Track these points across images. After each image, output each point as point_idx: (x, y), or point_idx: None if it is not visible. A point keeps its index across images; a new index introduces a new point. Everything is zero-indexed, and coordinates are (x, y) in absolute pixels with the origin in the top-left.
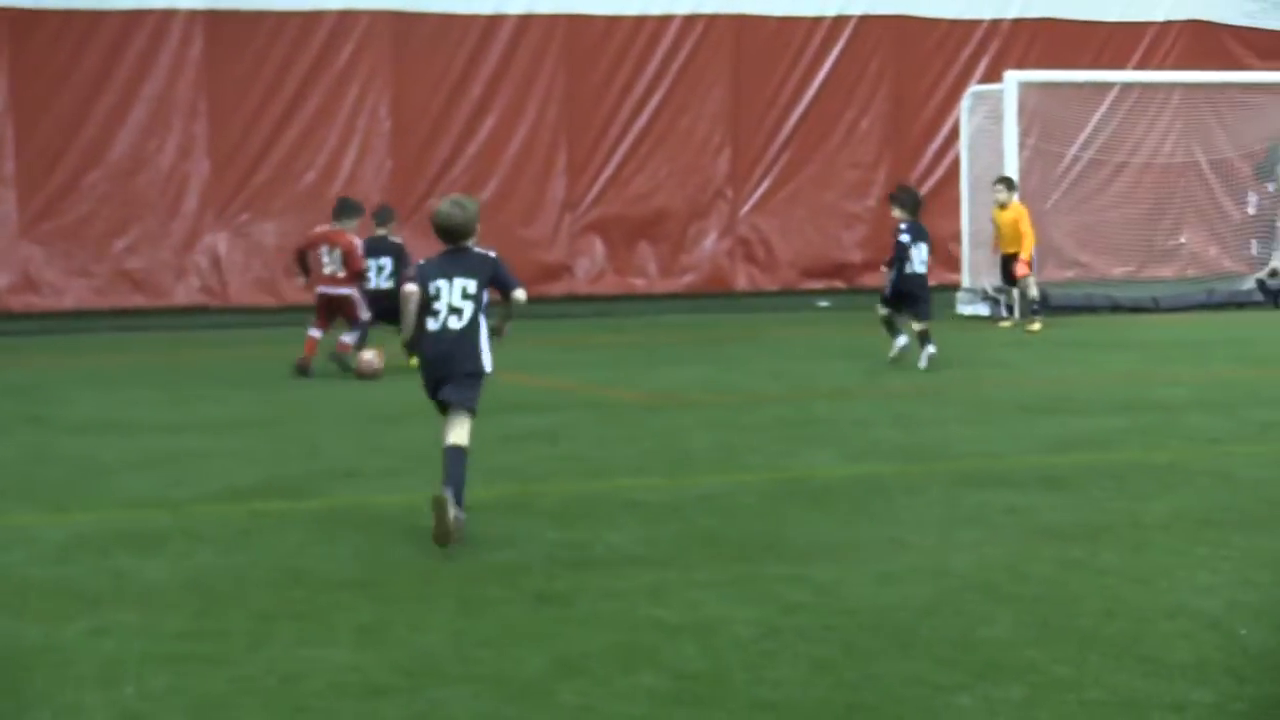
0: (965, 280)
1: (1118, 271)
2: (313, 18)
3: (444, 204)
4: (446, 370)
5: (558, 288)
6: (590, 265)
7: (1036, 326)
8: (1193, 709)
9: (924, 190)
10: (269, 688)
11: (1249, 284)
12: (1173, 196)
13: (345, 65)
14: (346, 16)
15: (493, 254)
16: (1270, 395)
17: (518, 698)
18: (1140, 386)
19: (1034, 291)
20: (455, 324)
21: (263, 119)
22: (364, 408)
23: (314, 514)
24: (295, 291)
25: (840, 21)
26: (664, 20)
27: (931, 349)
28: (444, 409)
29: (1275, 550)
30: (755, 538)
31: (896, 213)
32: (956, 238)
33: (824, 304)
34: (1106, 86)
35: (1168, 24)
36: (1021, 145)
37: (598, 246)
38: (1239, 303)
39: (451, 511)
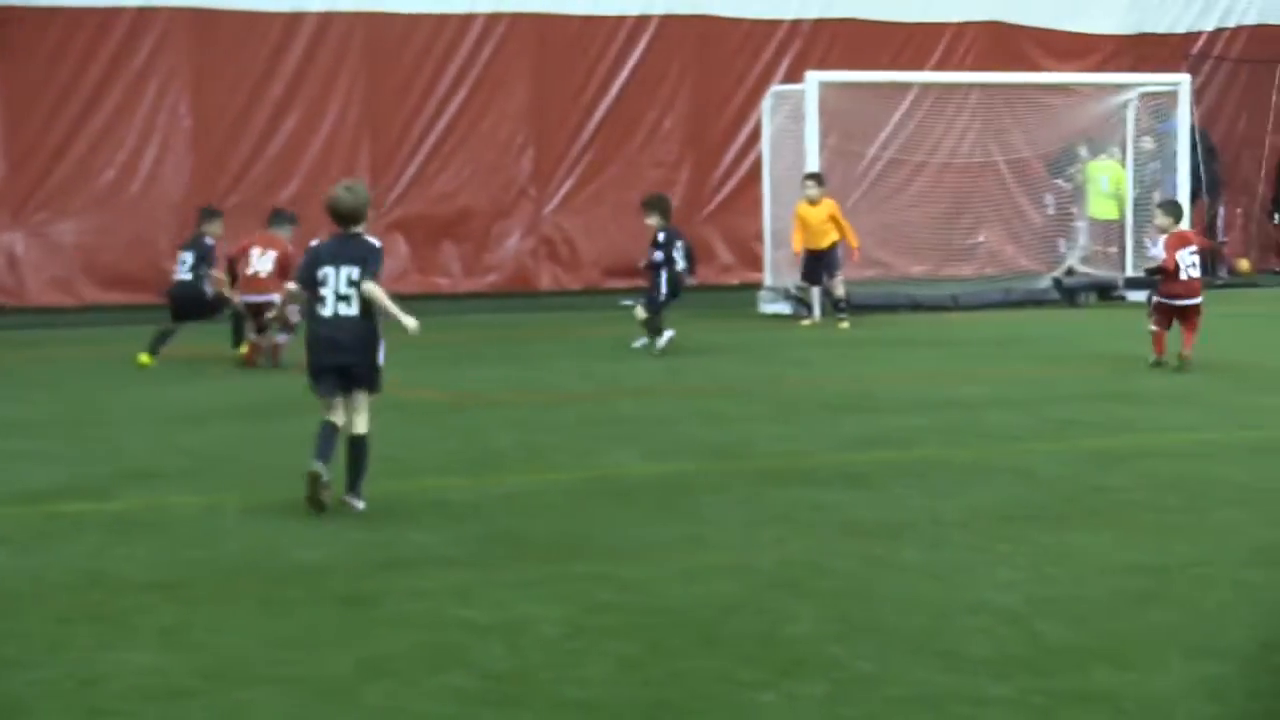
0: (768, 279)
1: (917, 270)
2: (110, 14)
3: (336, 187)
4: (334, 358)
5: None
6: (394, 265)
7: (845, 324)
8: (992, 703)
9: (726, 190)
10: (68, 690)
11: (1045, 282)
12: (971, 196)
13: (144, 62)
14: (145, 13)
15: (378, 244)
16: (1067, 393)
17: (324, 699)
18: (941, 385)
19: (841, 290)
20: (345, 310)
21: (60, 117)
22: (164, 409)
23: (113, 516)
24: (94, 292)
25: (643, 21)
26: (467, 19)
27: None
28: (329, 393)
29: (1072, 545)
30: (561, 537)
31: (652, 220)
32: (759, 237)
33: (628, 303)
34: (906, 86)
35: (965, 25)
36: (822, 145)
37: (401, 246)
38: (1036, 301)
39: (358, 505)
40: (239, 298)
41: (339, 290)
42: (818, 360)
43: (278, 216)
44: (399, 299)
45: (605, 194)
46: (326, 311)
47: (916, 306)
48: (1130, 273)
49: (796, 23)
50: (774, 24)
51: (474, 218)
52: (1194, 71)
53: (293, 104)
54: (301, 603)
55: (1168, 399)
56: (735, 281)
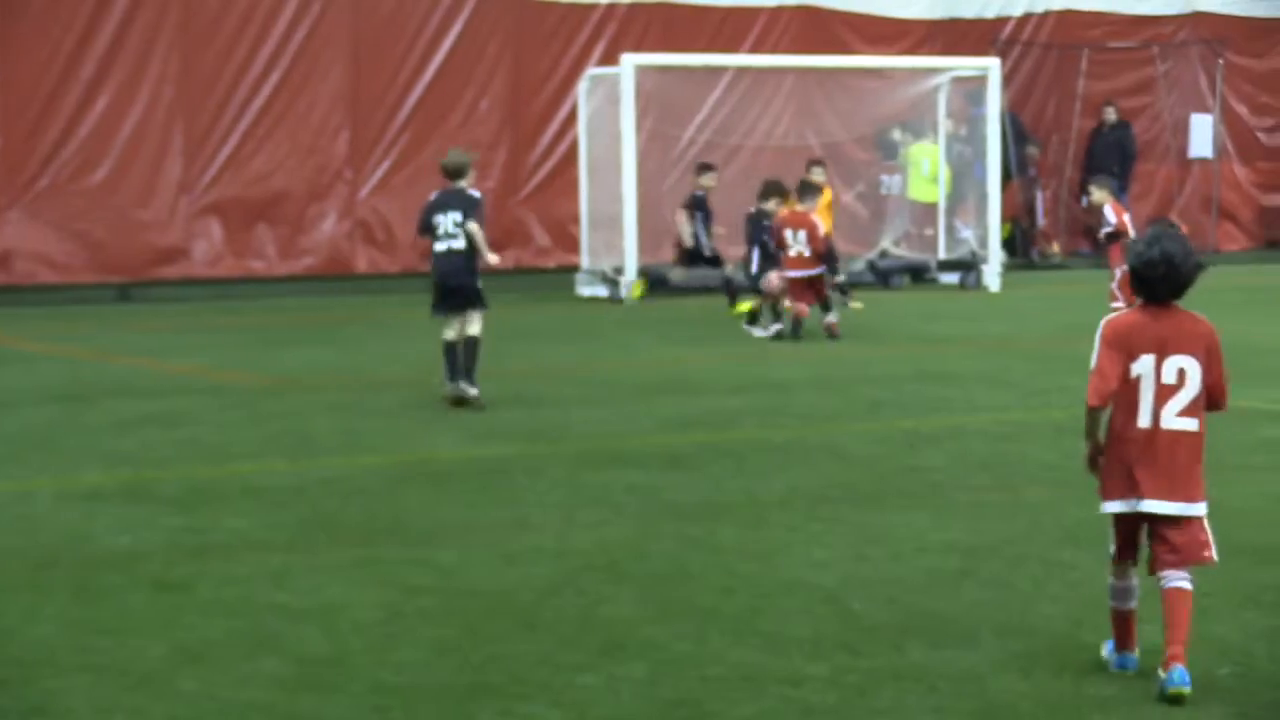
0: (585, 262)
1: (733, 253)
2: None
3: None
4: (454, 282)
5: (174, 270)
6: (208, 248)
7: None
8: (809, 682)
9: (543, 172)
10: None
11: (859, 265)
12: (786, 179)
13: None
14: None
15: (477, 194)
16: (880, 373)
17: (137, 687)
18: (756, 366)
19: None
20: (456, 245)
21: None
22: None
23: None
24: None
25: (459, 2)
26: None
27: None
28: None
29: (886, 525)
30: (377, 521)
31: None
32: (576, 219)
33: None
34: (721, 70)
35: (779, 9)
36: (639, 128)
37: (215, 229)
38: (851, 284)
39: (472, 391)
40: (790, 272)
41: (447, 229)
42: (633, 343)
43: (808, 188)
44: (212, 283)
45: (422, 176)
46: (442, 248)
47: (730, 288)
48: (943, 255)
49: (612, 6)
50: (590, 7)
51: (289, 200)
52: (1003, 56)
53: (104, 84)
54: (114, 590)
55: (979, 379)
56: (552, 264)
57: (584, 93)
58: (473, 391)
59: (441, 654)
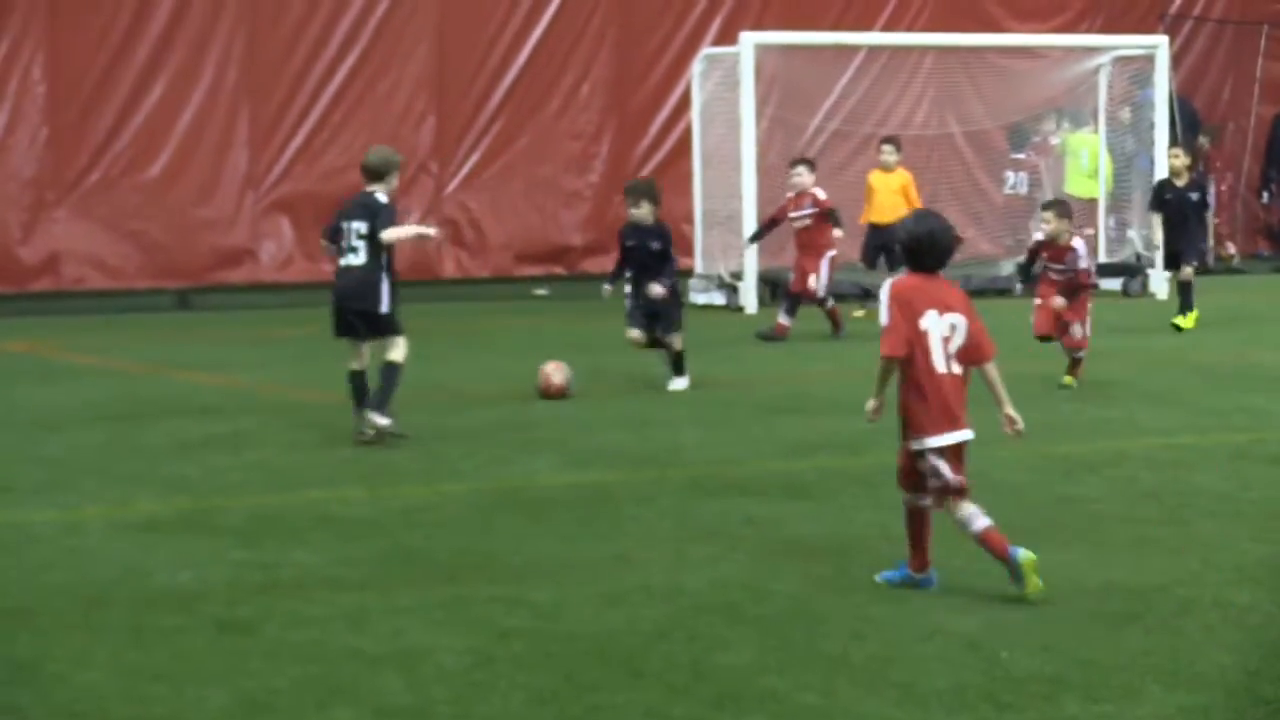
0: (699, 266)
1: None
2: None
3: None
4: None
5: (239, 274)
6: (277, 249)
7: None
8: None
9: (651, 165)
10: None
11: (1008, 269)
12: (925, 171)
13: None
14: None
15: (384, 200)
16: (1031, 391)
17: None
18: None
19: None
20: (355, 261)
21: None
22: (20, 413)
23: None
24: None
25: None
26: None
27: None
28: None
29: (1039, 562)
30: (465, 556)
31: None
32: (689, 218)
33: (542, 291)
34: (852, 49)
35: None
36: (760, 115)
37: (285, 228)
38: (997, 289)
39: (382, 422)
40: None
41: (350, 242)
42: (750, 358)
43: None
44: (281, 289)
45: (516, 169)
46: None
47: (866, 295)
48: (1103, 258)
49: None
50: None
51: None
52: (1172, 33)
53: (161, 68)
54: (172, 631)
55: (1144, 398)
56: None
57: (698, 76)
58: (382, 422)
59: (536, 705)
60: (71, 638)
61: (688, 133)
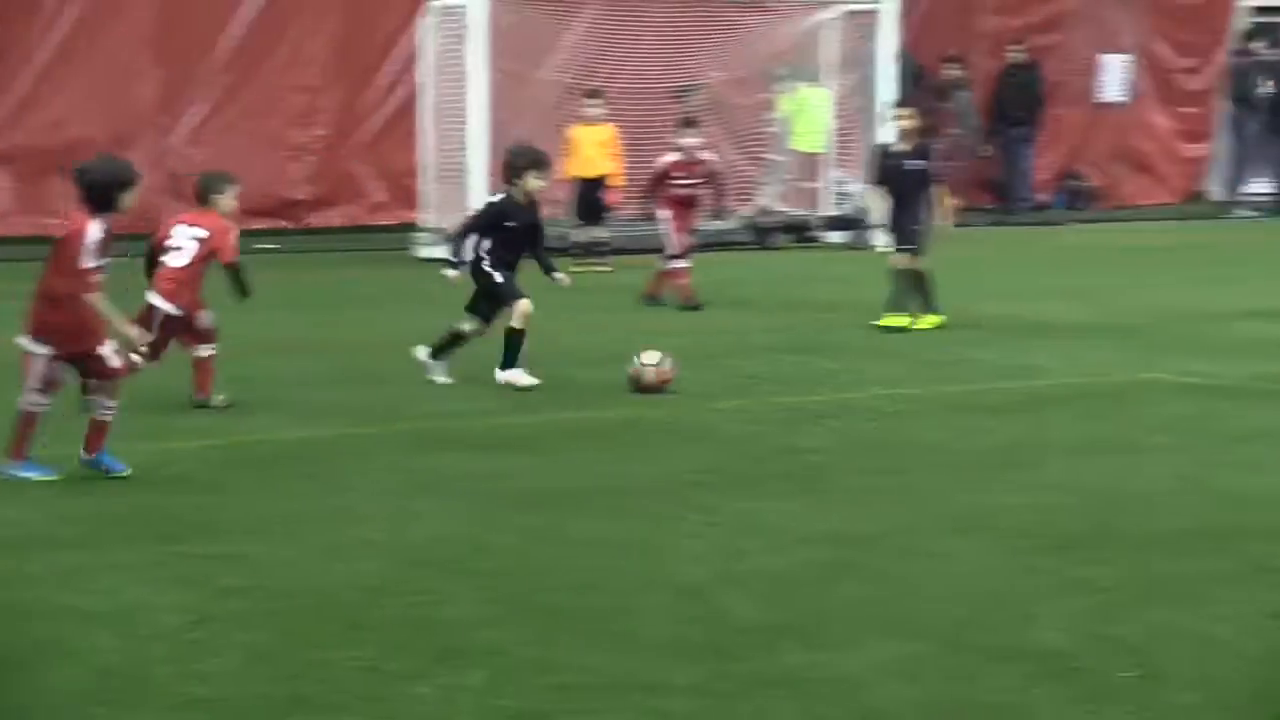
0: (426, 219)
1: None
2: None
3: None
4: None
5: None
6: None
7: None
8: (670, 690)
9: (379, 119)
10: None
11: (736, 223)
12: (654, 126)
13: None
14: None
15: None
16: (756, 344)
17: None
18: (622, 337)
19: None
20: None
21: None
22: None
23: None
24: None
25: None
26: None
27: None
28: None
29: (762, 513)
30: (184, 513)
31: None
32: (414, 172)
33: (269, 247)
34: (581, 2)
35: None
36: (491, 69)
37: (4, 181)
38: (725, 243)
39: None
40: None
41: None
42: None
43: None
44: (4, 243)
45: (241, 123)
46: None
47: (595, 249)
48: (829, 212)
49: None
50: None
51: (90, 149)
52: None
53: None
54: None
55: (867, 351)
56: (389, 221)
57: (427, 28)
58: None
59: (255, 662)
60: None
61: (416, 87)
